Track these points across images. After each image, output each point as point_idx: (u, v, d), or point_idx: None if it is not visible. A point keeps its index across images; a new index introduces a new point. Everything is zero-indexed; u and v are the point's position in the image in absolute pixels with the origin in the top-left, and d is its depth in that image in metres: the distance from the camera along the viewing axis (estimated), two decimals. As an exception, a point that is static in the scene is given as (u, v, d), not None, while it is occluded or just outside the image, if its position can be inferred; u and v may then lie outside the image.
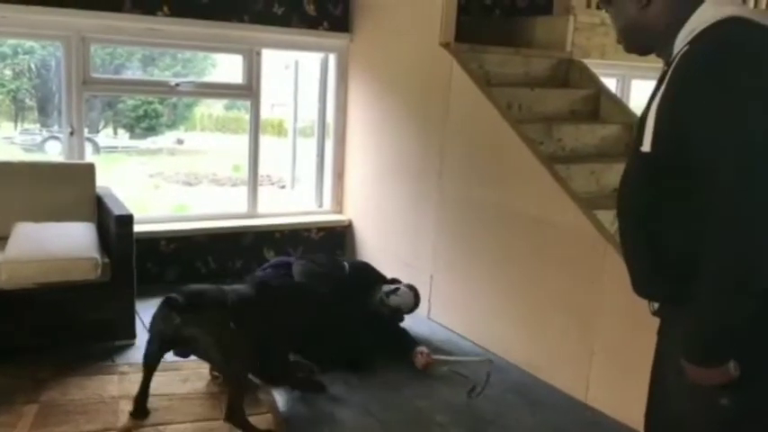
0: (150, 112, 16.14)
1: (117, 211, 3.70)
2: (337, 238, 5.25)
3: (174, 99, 15.02)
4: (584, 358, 3.39)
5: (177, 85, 4.66)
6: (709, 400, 1.55)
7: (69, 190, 4.05)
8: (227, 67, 12.84)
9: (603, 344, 3.31)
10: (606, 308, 3.29)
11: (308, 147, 5.52)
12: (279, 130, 12.25)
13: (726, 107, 1.46)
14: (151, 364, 3.08)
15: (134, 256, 3.70)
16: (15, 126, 15.38)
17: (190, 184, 13.22)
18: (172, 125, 17.17)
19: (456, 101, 4.13)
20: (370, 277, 4.08)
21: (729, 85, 1.46)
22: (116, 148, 15.31)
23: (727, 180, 1.44)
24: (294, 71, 5.46)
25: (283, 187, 8.27)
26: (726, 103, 1.46)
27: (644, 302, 3.10)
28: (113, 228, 3.65)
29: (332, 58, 5.15)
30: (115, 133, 16.35)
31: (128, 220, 3.66)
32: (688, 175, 1.53)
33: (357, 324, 3.73)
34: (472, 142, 4.06)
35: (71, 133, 4.38)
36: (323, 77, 5.22)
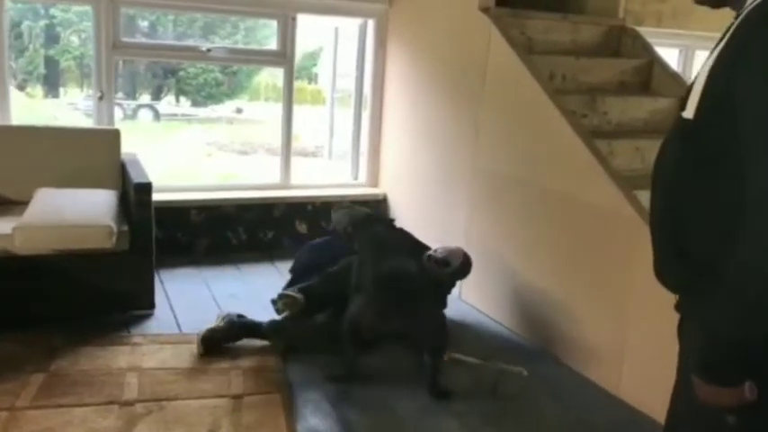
0: (210, 81, 16.23)
1: (137, 179, 3.61)
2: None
3: (235, 68, 15.03)
4: (617, 348, 3.16)
5: (209, 50, 4.53)
6: (715, 418, 1.33)
7: (94, 156, 3.99)
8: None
9: (638, 334, 3.06)
10: (642, 296, 3.03)
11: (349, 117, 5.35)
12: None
13: None
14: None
15: (153, 225, 3.61)
16: (81, 91, 15.69)
17: (245, 153, 13.25)
18: (232, 94, 17.24)
19: (494, 70, 3.88)
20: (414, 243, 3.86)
21: None
22: (176, 115, 15.47)
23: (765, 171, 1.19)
24: (334, 38, 5.28)
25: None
26: None
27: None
28: (132, 195, 3.58)
29: (370, 24, 4.94)
30: (177, 101, 16.52)
31: (146, 187, 3.57)
32: (729, 155, 1.27)
33: None
34: (509, 114, 3.81)
35: (100, 98, 4.32)
36: (361, 45, 5.02)
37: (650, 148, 3.62)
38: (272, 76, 17.81)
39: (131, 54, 4.59)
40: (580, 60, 4.04)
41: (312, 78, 17.60)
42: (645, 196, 3.19)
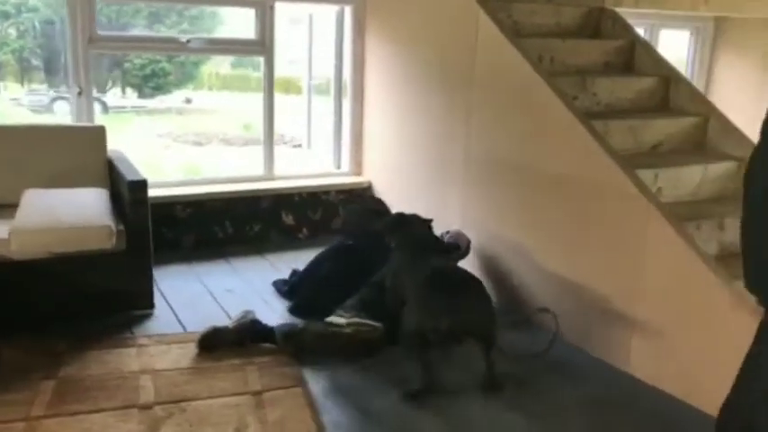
0: (158, 71, 15.88)
1: (130, 177, 3.52)
2: (357, 200, 5.06)
3: (182, 57, 14.73)
4: (627, 325, 3.22)
5: (188, 41, 4.42)
6: None
7: (79, 154, 3.87)
8: (236, 25, 12.55)
9: (646, 312, 3.13)
10: (650, 274, 3.10)
11: (324, 105, 5.31)
12: (291, 87, 12.01)
13: None
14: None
15: (150, 223, 3.53)
16: (22, 86, 15.14)
17: (200, 144, 13.05)
18: (179, 84, 16.91)
19: (484, 54, 3.89)
20: None
21: None
22: (124, 107, 15.10)
23: None
24: (308, 25, 5.21)
25: (298, 146, 8.12)
26: None
27: (691, 269, 2.92)
28: (127, 194, 3.48)
29: (348, 11, 4.89)
30: (123, 93, 16.11)
31: (141, 185, 3.49)
32: None
33: None
34: (502, 98, 3.83)
35: (79, 93, 4.19)
36: (338, 32, 4.97)
37: (642, 128, 3.73)
38: (215, 65, 17.55)
39: (109, 48, 4.44)
40: (566, 42, 4.08)
41: (255, 66, 17.36)
42: (643, 175, 3.28)
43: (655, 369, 3.10)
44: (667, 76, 4.12)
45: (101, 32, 4.18)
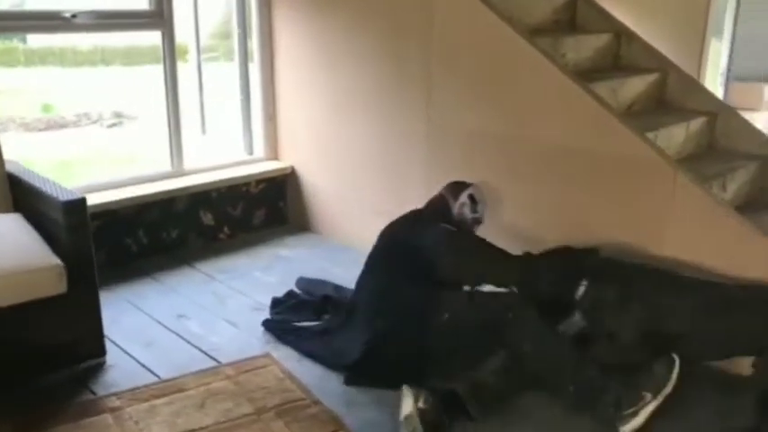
0: None
1: (62, 196, 2.73)
2: (280, 188, 4.48)
3: None
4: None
5: (74, 16, 3.55)
6: None
7: (-36, 170, 2.97)
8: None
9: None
10: (679, 243, 2.94)
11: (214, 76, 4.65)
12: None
13: None
14: None
15: (93, 254, 2.78)
16: None
17: (-4, 132, 11.34)
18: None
19: (444, 11, 3.48)
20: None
21: None
22: None
23: None
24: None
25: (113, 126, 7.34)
26: None
27: (722, 225, 2.77)
28: (61, 219, 2.69)
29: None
30: None
31: (80, 206, 2.72)
32: None
33: None
34: (472, 61, 3.45)
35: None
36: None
37: (620, 88, 3.55)
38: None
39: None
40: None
41: (20, 37, 15.42)
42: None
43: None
44: (618, 31, 3.97)
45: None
